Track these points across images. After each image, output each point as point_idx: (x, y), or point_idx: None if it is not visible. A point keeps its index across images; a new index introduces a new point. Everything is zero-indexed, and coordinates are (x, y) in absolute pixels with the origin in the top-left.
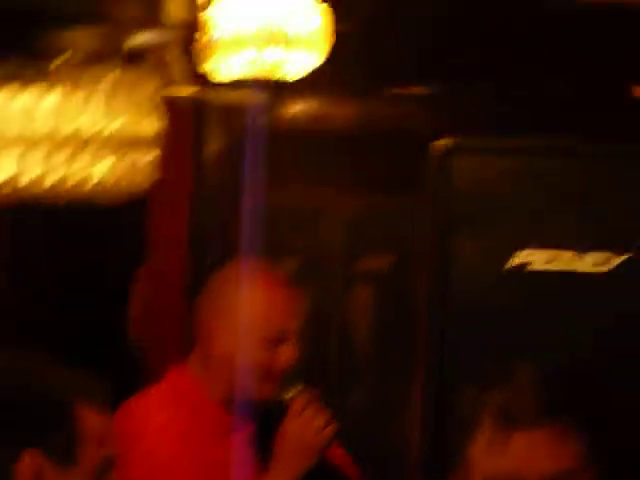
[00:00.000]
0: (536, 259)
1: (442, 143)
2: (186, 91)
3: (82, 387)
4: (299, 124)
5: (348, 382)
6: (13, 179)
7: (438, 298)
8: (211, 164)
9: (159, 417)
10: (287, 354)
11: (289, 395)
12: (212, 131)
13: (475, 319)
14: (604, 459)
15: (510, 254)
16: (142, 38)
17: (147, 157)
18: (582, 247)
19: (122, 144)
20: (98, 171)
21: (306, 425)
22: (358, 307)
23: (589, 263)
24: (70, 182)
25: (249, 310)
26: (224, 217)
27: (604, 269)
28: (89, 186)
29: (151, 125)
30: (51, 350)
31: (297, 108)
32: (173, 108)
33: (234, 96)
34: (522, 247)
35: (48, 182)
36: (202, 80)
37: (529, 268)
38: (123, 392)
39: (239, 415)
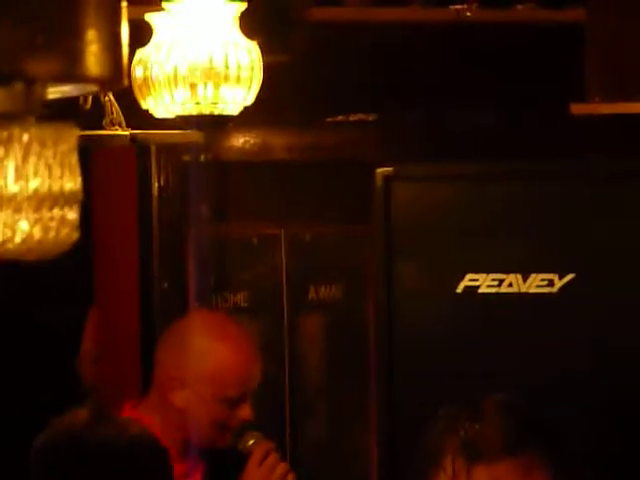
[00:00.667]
0: (481, 283)
1: (383, 171)
2: (123, 132)
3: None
4: (241, 157)
5: (301, 414)
6: None
7: (383, 325)
8: (156, 202)
9: None
10: (244, 412)
11: (247, 444)
12: (155, 170)
13: (424, 344)
14: None
15: (455, 279)
16: (61, 91)
17: (72, 213)
18: (527, 269)
19: (43, 202)
20: (21, 230)
21: (267, 475)
22: (309, 338)
23: (535, 285)
24: None
25: (212, 368)
26: (173, 254)
27: (552, 290)
28: (15, 244)
29: (73, 181)
30: None
31: (238, 141)
32: (112, 148)
33: (173, 134)
34: (467, 271)
35: None
36: (138, 121)
37: (476, 291)
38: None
39: (191, 461)
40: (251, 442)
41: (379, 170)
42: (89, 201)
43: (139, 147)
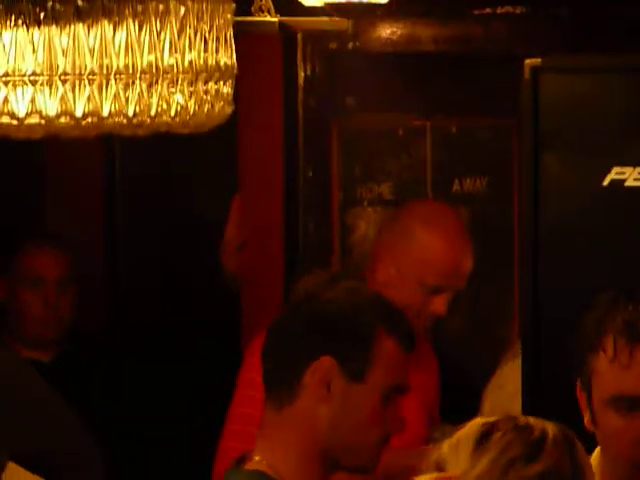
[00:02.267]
0: (628, 176)
1: (530, 62)
2: (272, 18)
3: (387, 316)
4: (388, 47)
5: None
6: (94, 111)
7: (530, 218)
8: (302, 92)
9: None
10: (438, 305)
11: (435, 436)
12: (301, 59)
13: (569, 238)
14: None
15: (602, 172)
16: None
17: (226, 87)
18: None
19: (198, 75)
20: (176, 102)
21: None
22: None
23: None
24: (150, 113)
25: (420, 251)
26: (318, 143)
27: None
28: (169, 117)
29: (228, 56)
30: None
31: (386, 32)
32: (259, 36)
33: (321, 21)
34: (614, 165)
35: (129, 113)
36: (287, 9)
37: (622, 185)
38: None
39: None
40: (436, 435)
41: (527, 62)
42: (235, 90)
43: (286, 35)
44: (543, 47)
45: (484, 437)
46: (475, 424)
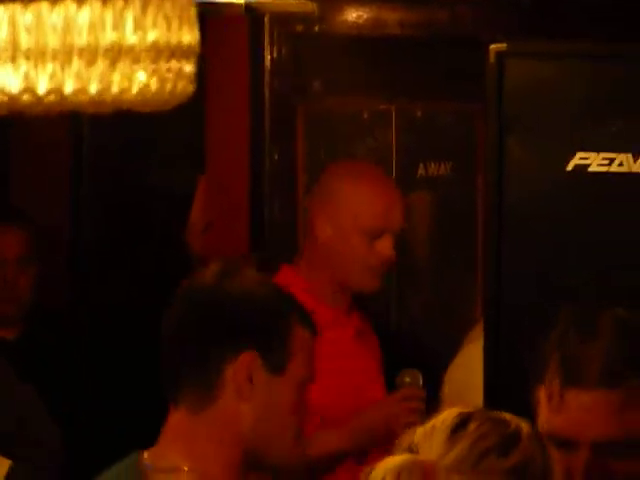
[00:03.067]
0: (592, 162)
1: (496, 47)
2: (239, 0)
3: (299, 306)
4: (354, 31)
5: (408, 290)
6: (57, 89)
7: (493, 202)
8: (268, 74)
9: None
10: (385, 248)
11: (403, 379)
12: (267, 42)
13: (533, 222)
14: None
15: (565, 157)
16: None
17: (188, 65)
18: (639, 149)
19: (161, 53)
20: (138, 80)
21: (399, 415)
22: (416, 214)
23: None
24: (112, 91)
25: (350, 199)
26: (284, 126)
27: None
28: (131, 95)
29: (191, 34)
30: None
31: (352, 15)
32: (226, 18)
33: (287, 3)
34: (577, 150)
35: (91, 91)
36: None
37: (586, 170)
38: None
39: (340, 307)
40: (407, 380)
41: (492, 46)
42: (201, 71)
43: (253, 17)
44: (508, 32)
45: (460, 426)
46: (451, 413)
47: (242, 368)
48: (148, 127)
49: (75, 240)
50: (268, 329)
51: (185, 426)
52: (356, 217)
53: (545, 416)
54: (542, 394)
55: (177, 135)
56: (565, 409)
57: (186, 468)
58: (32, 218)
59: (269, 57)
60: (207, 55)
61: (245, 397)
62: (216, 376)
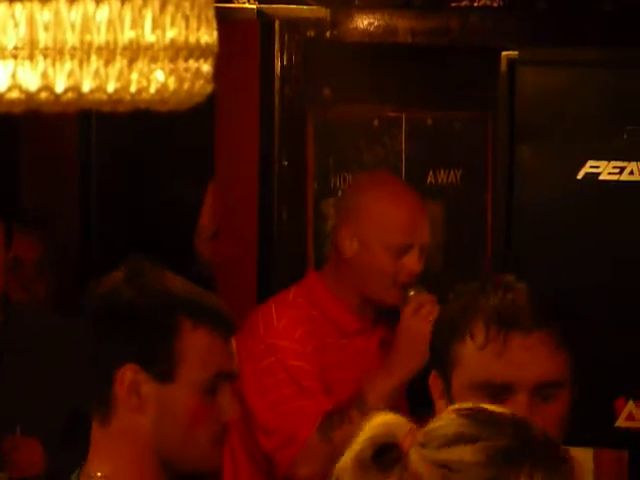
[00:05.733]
0: (602, 170)
1: (507, 54)
2: (250, 5)
3: (190, 305)
4: (365, 38)
5: None
6: (74, 87)
7: (502, 210)
8: (278, 81)
9: (290, 312)
10: (411, 263)
11: (408, 294)
12: (278, 48)
13: (542, 230)
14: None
15: (576, 165)
16: None
17: (206, 65)
18: None
19: (179, 52)
20: (156, 79)
21: (422, 322)
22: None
23: None
24: (130, 90)
25: (375, 214)
26: (293, 133)
27: None
28: (149, 94)
29: (209, 34)
30: None
31: (363, 22)
32: (237, 22)
33: (299, 9)
34: (588, 158)
35: (109, 90)
36: None
37: (596, 178)
38: None
39: (366, 318)
40: (411, 293)
41: (504, 54)
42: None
43: (264, 23)
44: (520, 40)
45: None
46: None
47: (123, 382)
48: (158, 133)
49: (85, 245)
50: (148, 339)
51: (99, 437)
52: (382, 233)
53: (480, 366)
54: (467, 347)
55: (186, 141)
56: (507, 353)
57: (99, 474)
58: (46, 224)
59: (279, 63)
60: (217, 59)
61: (137, 410)
62: (108, 391)
